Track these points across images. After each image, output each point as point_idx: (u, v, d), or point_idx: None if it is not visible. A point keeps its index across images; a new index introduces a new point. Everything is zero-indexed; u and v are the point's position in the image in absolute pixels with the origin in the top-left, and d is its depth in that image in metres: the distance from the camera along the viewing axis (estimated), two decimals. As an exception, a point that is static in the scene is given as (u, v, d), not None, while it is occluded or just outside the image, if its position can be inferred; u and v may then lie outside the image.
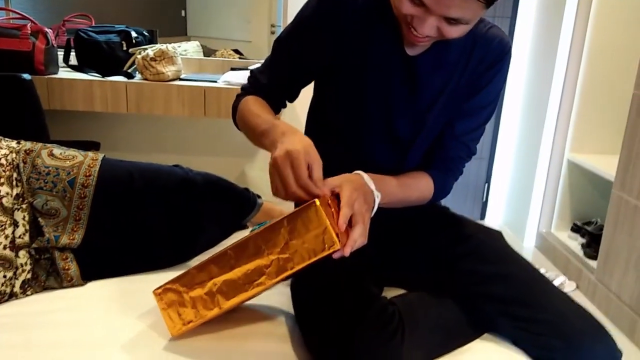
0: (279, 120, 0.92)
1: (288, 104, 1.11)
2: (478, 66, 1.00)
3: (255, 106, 1.01)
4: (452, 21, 0.82)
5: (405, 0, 0.83)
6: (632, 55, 2.19)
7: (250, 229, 1.28)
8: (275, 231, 0.77)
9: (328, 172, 0.83)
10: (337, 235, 0.74)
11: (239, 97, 1.09)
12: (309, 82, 1.09)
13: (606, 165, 2.29)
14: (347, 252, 0.76)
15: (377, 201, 0.89)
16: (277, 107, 1.08)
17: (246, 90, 1.09)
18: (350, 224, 0.80)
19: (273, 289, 1.08)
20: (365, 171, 0.92)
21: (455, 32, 0.85)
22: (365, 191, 0.86)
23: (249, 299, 0.81)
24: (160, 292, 0.86)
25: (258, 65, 1.10)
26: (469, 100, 1.02)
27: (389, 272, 1.08)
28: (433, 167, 1.06)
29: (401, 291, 1.07)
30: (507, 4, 2.83)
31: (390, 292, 1.05)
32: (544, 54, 2.68)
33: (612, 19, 2.42)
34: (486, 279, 0.97)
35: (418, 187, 1.04)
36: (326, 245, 0.74)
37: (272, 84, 1.05)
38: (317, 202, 0.74)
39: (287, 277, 0.78)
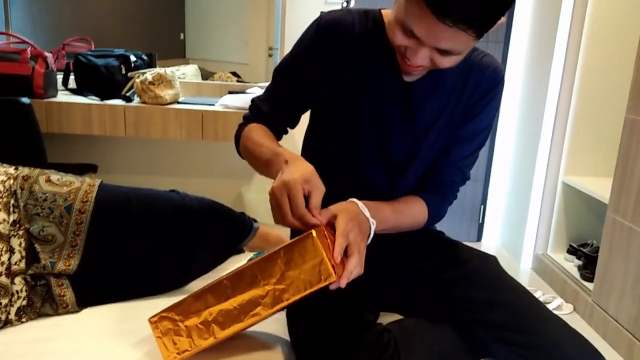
0: (282, 148, 0.94)
1: (288, 129, 1.13)
2: (473, 93, 1.02)
3: (258, 135, 1.03)
4: (444, 52, 0.84)
5: (398, 32, 0.85)
6: (624, 79, 2.22)
7: (246, 254, 1.29)
8: (272, 261, 0.77)
9: (324, 198, 0.84)
10: (332, 266, 0.75)
11: (241, 127, 1.11)
12: (309, 108, 1.11)
13: (600, 188, 2.31)
14: (343, 283, 0.77)
15: (373, 228, 0.90)
16: (279, 133, 1.10)
17: (248, 118, 1.11)
18: (345, 254, 0.80)
19: (269, 320, 1.08)
20: (359, 196, 0.93)
21: (447, 62, 0.87)
22: (360, 220, 0.87)
23: (245, 329, 0.81)
24: (156, 320, 0.85)
25: (259, 93, 1.13)
26: (463, 127, 1.04)
27: (384, 297, 1.08)
28: (427, 192, 1.07)
29: (397, 316, 1.07)
30: (500, 29, 2.88)
31: (387, 318, 1.05)
32: (537, 78, 2.72)
33: (604, 43, 2.47)
34: (481, 305, 0.97)
35: (412, 212, 1.04)
36: (322, 277, 0.74)
37: (273, 111, 1.08)
38: (314, 233, 0.75)
39: (283, 307, 0.78)
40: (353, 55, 1.00)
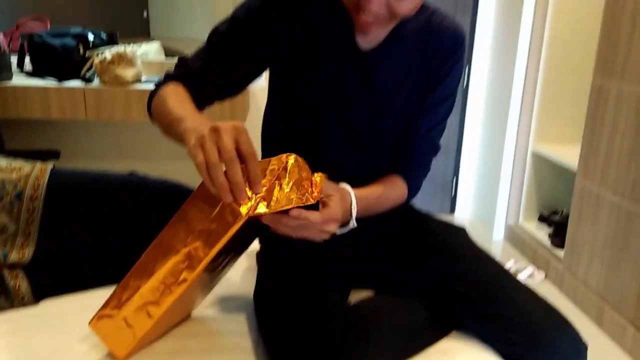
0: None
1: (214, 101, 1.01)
2: (433, 57, 0.99)
3: (177, 96, 0.89)
4: None
5: None
6: (590, 46, 2.23)
7: None
8: (178, 223, 0.75)
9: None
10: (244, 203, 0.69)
11: (159, 85, 0.95)
12: (251, 77, 1.02)
13: (570, 156, 2.33)
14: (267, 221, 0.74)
15: (349, 227, 0.90)
16: (202, 101, 0.95)
17: (171, 77, 0.96)
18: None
19: (236, 300, 1.05)
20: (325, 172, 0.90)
21: (405, 5, 0.83)
22: (345, 216, 0.87)
23: (179, 298, 0.78)
24: (95, 322, 0.83)
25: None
26: (427, 95, 1.01)
27: (354, 274, 1.06)
28: (403, 169, 1.05)
29: (367, 293, 1.05)
30: (469, -1, 2.86)
31: (357, 295, 1.03)
32: (505, 47, 2.71)
33: (570, 10, 2.46)
34: (451, 277, 0.97)
35: (391, 195, 1.03)
36: (231, 219, 0.70)
37: (207, 70, 0.96)
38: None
39: (208, 263, 0.74)
40: (305, 24, 0.95)
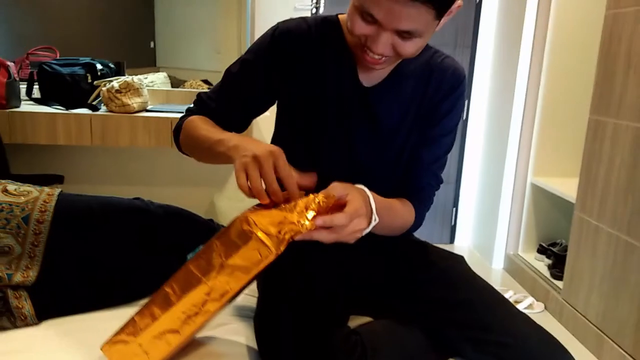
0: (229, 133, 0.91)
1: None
2: (435, 95, 1.03)
3: (205, 123, 0.99)
4: (405, 35, 0.83)
5: (357, 20, 0.84)
6: (587, 81, 2.28)
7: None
8: (208, 255, 0.76)
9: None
10: (274, 236, 0.72)
11: (183, 118, 1.06)
12: (259, 113, 1.09)
13: (568, 188, 2.36)
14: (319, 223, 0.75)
15: (373, 225, 0.87)
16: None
17: (192, 112, 1.07)
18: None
19: (236, 323, 1.06)
20: None
21: (410, 47, 0.86)
22: (368, 210, 0.84)
23: (199, 328, 0.80)
24: (108, 347, 0.83)
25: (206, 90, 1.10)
26: (430, 130, 1.05)
27: (353, 299, 1.07)
28: (410, 198, 1.06)
29: (366, 319, 1.06)
30: (467, 34, 2.93)
31: (356, 321, 1.04)
32: (503, 82, 2.77)
33: (567, 47, 2.53)
34: (449, 304, 0.98)
35: (403, 214, 1.03)
36: (261, 256, 0.72)
37: (220, 109, 1.04)
38: (248, 215, 0.74)
39: (232, 297, 0.77)
40: (311, 62, 1.00)
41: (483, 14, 2.91)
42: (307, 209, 0.76)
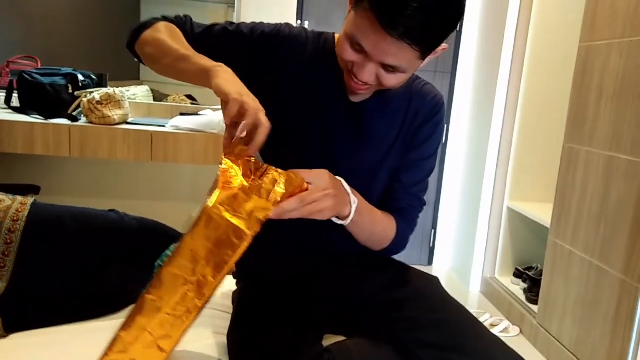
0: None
1: None
2: (414, 120, 1.05)
3: (176, 33, 0.95)
4: (389, 69, 0.86)
5: (346, 47, 0.87)
6: (562, 109, 2.34)
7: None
8: (182, 252, 0.76)
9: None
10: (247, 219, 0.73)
11: (154, 19, 1.01)
12: None
13: (543, 213, 2.40)
14: (272, 215, 0.77)
15: (354, 208, 0.89)
16: None
17: (168, 18, 1.03)
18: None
19: (210, 339, 1.05)
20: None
21: (392, 80, 0.89)
22: (340, 192, 0.87)
23: (190, 326, 0.78)
24: None
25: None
26: (410, 153, 1.07)
27: (327, 317, 1.07)
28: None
29: (340, 338, 1.06)
30: (448, 60, 3.00)
31: (330, 340, 1.04)
32: (482, 108, 2.83)
33: (544, 76, 2.61)
34: (422, 325, 0.98)
35: (385, 221, 1.03)
36: (235, 240, 0.73)
37: (198, 44, 0.98)
38: (210, 203, 0.74)
39: (215, 287, 0.76)
40: (302, 72, 1.01)
41: (463, 40, 2.99)
42: (273, 185, 0.78)
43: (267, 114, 1.04)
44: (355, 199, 0.90)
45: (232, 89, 0.80)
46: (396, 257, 1.18)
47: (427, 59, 0.91)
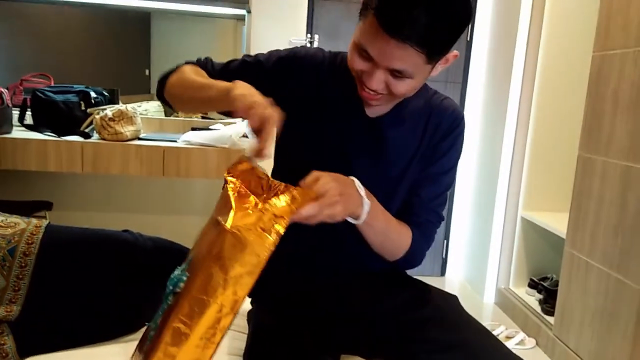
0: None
1: None
2: (434, 135, 1.05)
3: (199, 72, 1.00)
4: (397, 74, 0.87)
5: (355, 56, 0.89)
6: (576, 118, 2.32)
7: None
8: (209, 276, 0.75)
9: (295, 225, 0.82)
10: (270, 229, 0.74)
11: (179, 65, 1.07)
12: None
13: (557, 223, 2.37)
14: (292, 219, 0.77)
15: (367, 209, 0.88)
16: None
17: (191, 62, 1.08)
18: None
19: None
20: (320, 230, 0.92)
21: (402, 87, 0.89)
22: (350, 191, 0.87)
23: (218, 348, 0.78)
24: None
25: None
26: (429, 167, 1.06)
27: (344, 338, 1.05)
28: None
29: (356, 359, 1.04)
30: (458, 70, 2.99)
31: (346, 360, 1.02)
32: (494, 118, 2.81)
33: (556, 84, 2.58)
34: (443, 346, 0.96)
35: (400, 230, 1.02)
36: (261, 257, 0.74)
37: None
38: (228, 225, 0.74)
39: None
40: (320, 88, 1.02)
41: (474, 51, 2.97)
42: (277, 195, 0.79)
43: (286, 132, 1.06)
44: (368, 201, 0.90)
45: (243, 92, 0.82)
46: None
47: (440, 68, 0.91)
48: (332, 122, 1.02)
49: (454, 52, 0.89)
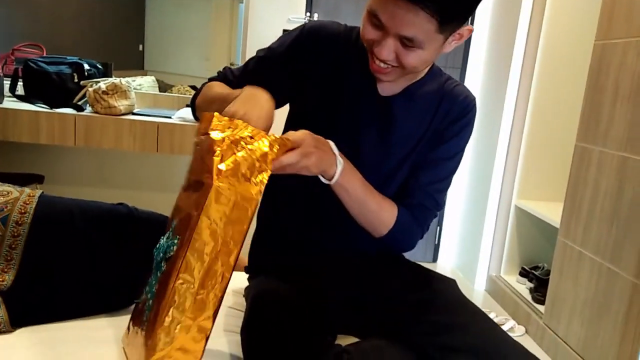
0: None
1: None
2: (444, 119, 1.04)
3: (223, 86, 1.03)
4: (407, 43, 0.86)
5: (367, 24, 0.89)
6: (574, 107, 2.32)
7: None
8: (203, 233, 0.76)
9: (289, 204, 0.86)
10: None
11: (203, 84, 1.10)
12: (278, 104, 1.06)
13: (552, 212, 2.38)
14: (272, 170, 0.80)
15: (340, 169, 0.90)
16: None
17: (214, 79, 1.10)
18: None
19: (222, 338, 1.03)
20: (326, 208, 0.92)
21: (412, 58, 0.89)
22: (325, 149, 0.88)
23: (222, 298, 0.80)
24: None
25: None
26: (433, 151, 1.05)
27: (342, 319, 1.05)
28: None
29: (353, 339, 1.04)
30: (458, 55, 2.97)
31: (345, 340, 1.02)
32: (492, 105, 2.80)
33: (555, 73, 2.57)
34: (441, 328, 0.95)
35: (381, 202, 1.00)
36: (247, 206, 0.77)
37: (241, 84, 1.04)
38: (215, 181, 0.75)
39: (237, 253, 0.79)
40: (335, 62, 1.03)
41: (474, 35, 2.95)
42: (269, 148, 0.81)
43: (300, 102, 1.07)
44: (341, 160, 0.91)
45: (236, 108, 0.85)
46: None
47: (454, 44, 0.91)
48: (344, 96, 1.02)
49: (469, 26, 0.87)
